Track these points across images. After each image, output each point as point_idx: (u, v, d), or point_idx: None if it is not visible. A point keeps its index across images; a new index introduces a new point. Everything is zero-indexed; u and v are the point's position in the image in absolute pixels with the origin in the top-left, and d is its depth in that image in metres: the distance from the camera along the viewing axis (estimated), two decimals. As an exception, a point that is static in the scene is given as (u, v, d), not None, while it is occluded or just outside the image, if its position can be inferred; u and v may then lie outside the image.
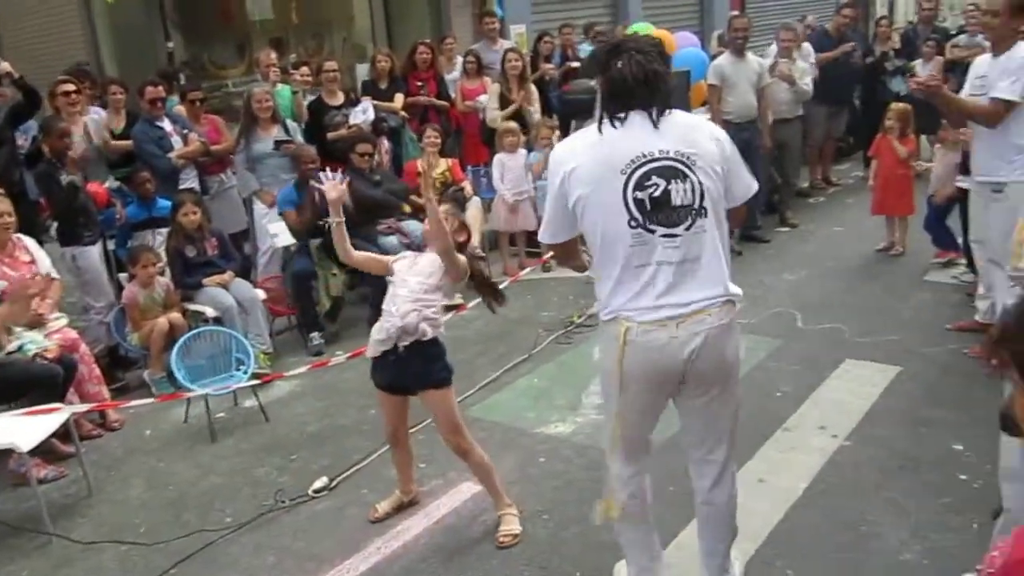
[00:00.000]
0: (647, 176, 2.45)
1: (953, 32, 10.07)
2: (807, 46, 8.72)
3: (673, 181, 2.45)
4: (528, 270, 6.43)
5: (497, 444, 4.27)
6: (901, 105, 6.86)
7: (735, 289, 2.57)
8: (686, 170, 2.46)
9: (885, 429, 4.09)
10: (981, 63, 4.70)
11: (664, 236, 2.46)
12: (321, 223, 5.96)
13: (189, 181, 6.32)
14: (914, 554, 3.17)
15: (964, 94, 4.73)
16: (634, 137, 2.48)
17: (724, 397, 2.65)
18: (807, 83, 7.84)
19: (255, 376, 5.07)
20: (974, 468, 3.66)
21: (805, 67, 7.97)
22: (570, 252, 2.78)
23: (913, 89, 4.81)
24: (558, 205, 2.59)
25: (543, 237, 2.75)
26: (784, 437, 4.10)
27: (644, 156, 2.46)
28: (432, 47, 7.98)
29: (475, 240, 6.58)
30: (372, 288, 6.19)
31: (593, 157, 2.51)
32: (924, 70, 9.21)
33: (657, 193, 2.44)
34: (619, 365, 2.53)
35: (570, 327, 5.78)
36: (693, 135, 2.53)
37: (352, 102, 7.10)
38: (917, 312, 5.59)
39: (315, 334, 5.95)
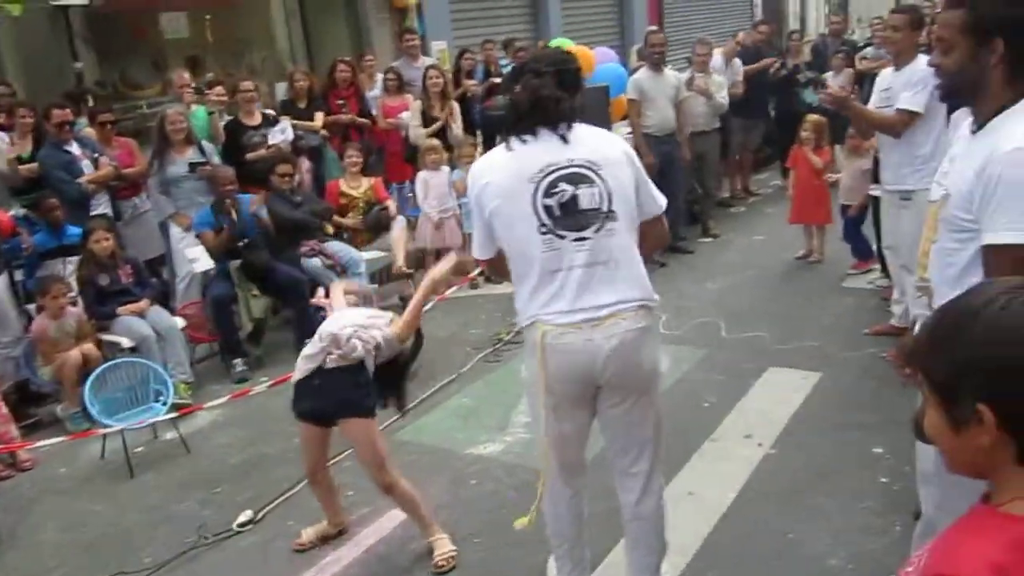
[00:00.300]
0: (555, 183, 2.53)
1: (861, 44, 10.42)
2: (737, 61, 8.92)
3: (580, 186, 2.53)
4: (455, 288, 6.38)
5: (426, 467, 4.22)
6: (816, 117, 7.06)
7: (651, 294, 2.64)
8: (593, 175, 2.55)
9: (808, 435, 4.17)
10: (885, 76, 4.86)
11: (575, 240, 2.53)
12: (240, 244, 5.85)
13: (101, 207, 6.11)
14: (839, 559, 3.22)
15: (871, 106, 4.89)
16: (543, 150, 2.56)
17: (643, 404, 2.69)
18: (723, 97, 8.00)
19: (175, 407, 4.92)
20: (894, 470, 3.75)
21: (721, 81, 8.14)
22: (499, 267, 2.80)
23: (823, 100, 4.95)
24: (480, 220, 2.67)
25: (474, 253, 2.80)
26: (711, 448, 4.14)
27: (552, 165, 2.54)
28: (352, 65, 7.90)
29: (399, 260, 6.57)
30: (295, 311, 6.10)
31: (504, 170, 2.59)
32: (835, 81, 9.49)
33: (565, 199, 2.52)
34: (542, 370, 2.57)
35: (498, 344, 5.75)
36: (601, 145, 2.63)
37: (270, 122, 6.96)
38: (836, 318, 5.73)
39: (238, 360, 5.80)
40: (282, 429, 4.84)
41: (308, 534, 3.70)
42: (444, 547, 3.46)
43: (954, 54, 2.13)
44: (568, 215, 2.53)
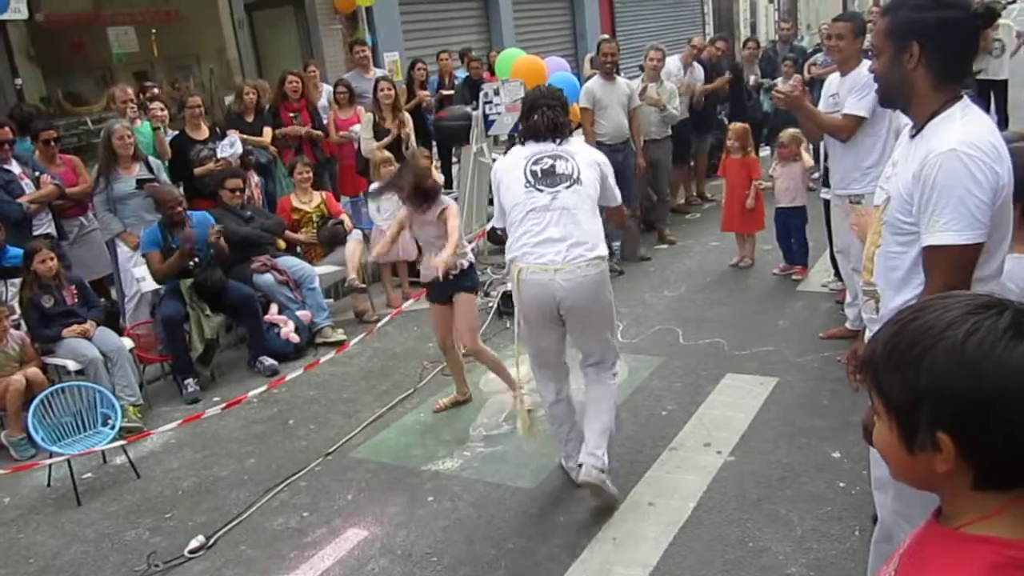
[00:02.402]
0: (540, 159, 3.64)
1: (810, 51, 10.58)
2: (698, 66, 8.97)
3: (558, 161, 3.63)
4: (412, 301, 6.31)
5: (383, 485, 4.15)
6: (740, 125, 7.18)
7: (604, 249, 3.61)
8: (568, 157, 3.65)
9: (766, 442, 4.16)
10: (832, 82, 4.92)
11: (548, 193, 3.56)
12: (191, 263, 5.73)
13: (44, 226, 5.93)
14: (799, 567, 3.21)
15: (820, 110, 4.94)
16: (542, 146, 3.68)
17: (594, 324, 3.69)
18: (676, 106, 8.03)
19: (125, 431, 4.79)
20: (852, 475, 3.76)
21: (673, 89, 8.16)
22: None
23: (776, 99, 4.98)
24: (497, 197, 3.76)
25: (494, 223, 3.98)
26: (671, 457, 4.12)
27: (543, 151, 3.66)
28: (302, 77, 7.79)
29: (353, 274, 6.48)
30: (249, 328, 5.99)
31: (513, 157, 3.77)
32: (785, 87, 9.63)
33: (546, 166, 3.62)
34: (517, 299, 3.62)
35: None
36: (581, 148, 3.80)
37: (218, 136, 6.83)
38: (791, 322, 5.76)
39: (190, 380, 5.66)
40: (235, 450, 4.76)
41: (443, 402, 4.90)
42: (524, 417, 4.13)
43: (882, 59, 2.16)
44: (546, 176, 3.60)
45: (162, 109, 6.86)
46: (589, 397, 3.78)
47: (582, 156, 3.68)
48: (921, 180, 2.05)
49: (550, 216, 3.51)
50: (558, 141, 3.66)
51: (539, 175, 3.58)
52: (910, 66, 2.09)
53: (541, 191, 3.55)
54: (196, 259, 5.72)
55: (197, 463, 4.70)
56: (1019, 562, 1.05)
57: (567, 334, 3.75)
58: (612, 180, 3.77)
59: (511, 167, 3.68)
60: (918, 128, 2.16)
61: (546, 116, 3.66)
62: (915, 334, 1.10)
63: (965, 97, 2.14)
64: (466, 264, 4.61)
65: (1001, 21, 10.67)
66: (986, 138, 2.04)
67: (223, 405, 4.79)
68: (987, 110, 10.41)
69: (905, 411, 1.10)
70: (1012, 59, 10.26)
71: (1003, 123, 10.29)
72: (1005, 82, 10.25)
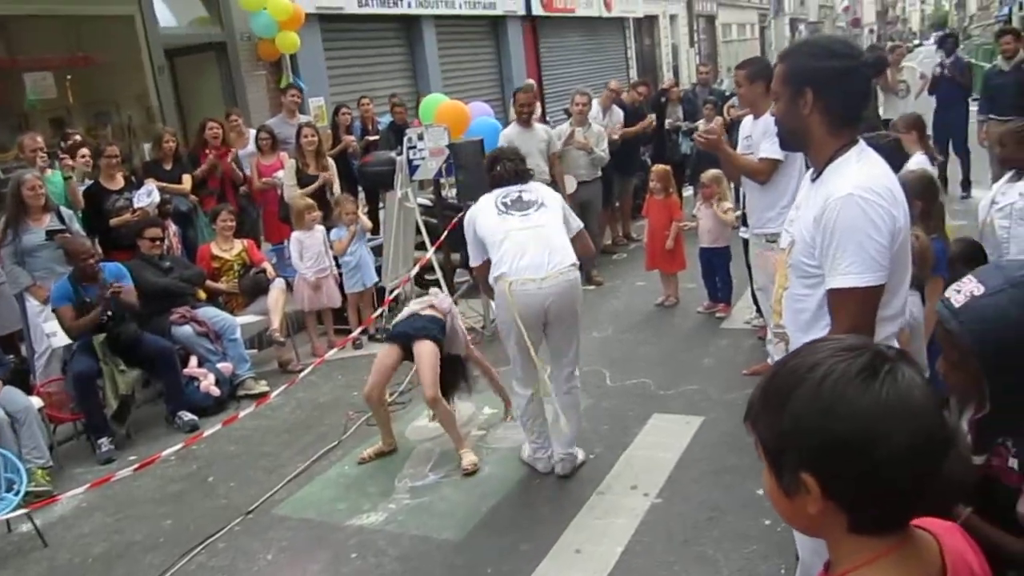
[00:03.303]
0: (508, 194, 4.25)
1: (728, 94, 10.87)
2: (616, 109, 9.11)
3: (524, 192, 4.27)
4: (335, 350, 6.20)
5: (306, 543, 4.01)
6: (661, 167, 7.33)
7: (575, 259, 4.14)
8: (532, 190, 4.31)
9: (693, 482, 4.17)
10: (746, 125, 5.05)
11: (520, 216, 4.15)
12: (104, 317, 5.53)
13: (-53, 281, 5.68)
14: (726, 609, 3.19)
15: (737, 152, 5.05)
16: (507, 189, 4.27)
17: (572, 328, 4.23)
18: (603, 149, 8.15)
19: (32, 497, 4.55)
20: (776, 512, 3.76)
21: (601, 131, 8.28)
22: (483, 272, 4.29)
23: (698, 143, 5.08)
24: (472, 239, 4.26)
25: (470, 263, 4.52)
26: (599, 501, 4.08)
27: (508, 190, 4.27)
28: (222, 123, 7.69)
29: (275, 323, 6.34)
30: (166, 382, 5.80)
31: (484, 200, 4.31)
32: (705, 129, 9.87)
33: (514, 197, 4.24)
34: (512, 308, 4.01)
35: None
36: (541, 187, 4.42)
37: (135, 185, 6.66)
38: (716, 360, 5.82)
39: (104, 439, 5.42)
40: (150, 512, 4.57)
41: (368, 453, 4.80)
42: (469, 457, 4.54)
43: (779, 104, 2.21)
44: (515, 204, 4.20)
45: (84, 156, 6.66)
46: (562, 404, 4.30)
47: (543, 189, 4.39)
48: (822, 224, 2.08)
49: (526, 235, 4.07)
50: (520, 184, 4.30)
51: (509, 204, 4.19)
52: (805, 112, 2.14)
53: (513, 215, 4.15)
54: (109, 313, 5.52)
55: (109, 527, 4.48)
56: None
57: (545, 339, 4.25)
58: (569, 210, 4.40)
59: (483, 207, 4.25)
60: (818, 172, 2.21)
61: (507, 166, 4.31)
62: (782, 377, 1.12)
63: (861, 141, 2.20)
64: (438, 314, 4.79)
65: (905, 64, 11.18)
66: (882, 182, 2.10)
67: (136, 466, 4.59)
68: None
69: (774, 453, 1.12)
70: (917, 100, 10.71)
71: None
72: (911, 122, 10.68)
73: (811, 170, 2.27)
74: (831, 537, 1.12)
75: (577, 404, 4.42)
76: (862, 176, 2.08)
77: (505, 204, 4.19)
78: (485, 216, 4.20)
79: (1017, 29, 12.05)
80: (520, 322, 4.03)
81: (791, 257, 2.23)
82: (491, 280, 4.15)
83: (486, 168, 4.41)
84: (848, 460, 1.04)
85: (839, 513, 1.08)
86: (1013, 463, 1.70)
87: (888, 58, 10.15)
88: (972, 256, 3.74)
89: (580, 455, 4.43)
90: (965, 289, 1.66)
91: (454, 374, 4.81)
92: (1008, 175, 4.18)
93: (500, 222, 4.13)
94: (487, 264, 4.23)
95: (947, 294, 1.70)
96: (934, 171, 5.01)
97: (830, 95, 2.12)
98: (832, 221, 2.05)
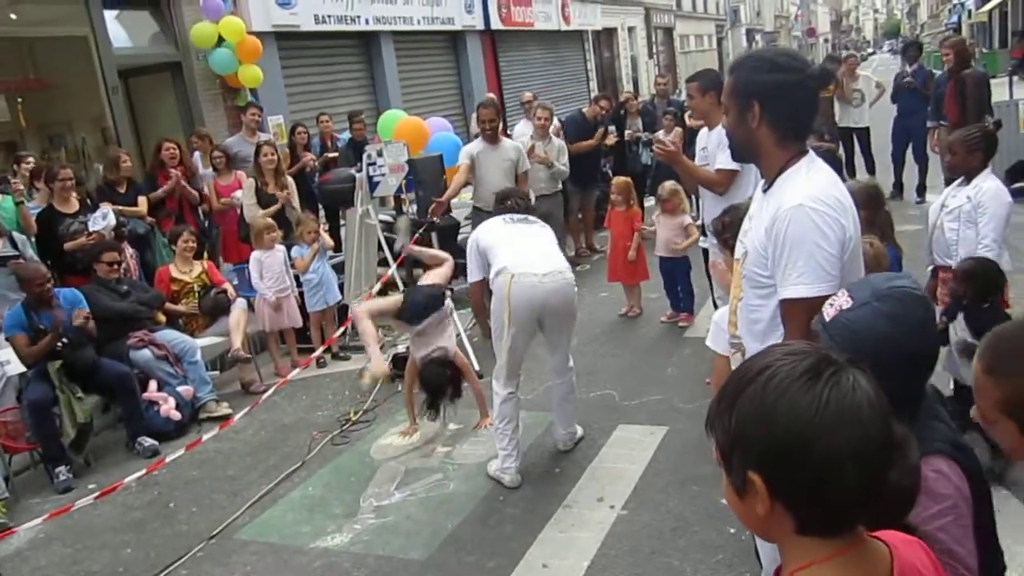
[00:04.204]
0: (513, 216, 4.64)
1: (687, 104, 10.97)
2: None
3: (527, 215, 4.67)
4: (298, 370, 6.13)
5: (269, 568, 3.95)
6: (622, 179, 7.37)
7: (568, 265, 4.53)
8: (535, 219, 4.69)
9: (658, 492, 4.18)
10: (701, 136, 5.12)
11: (524, 226, 4.57)
12: (59, 344, 5.42)
13: None
14: (693, 620, 3.19)
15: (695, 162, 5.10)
16: (512, 215, 4.67)
17: (567, 324, 4.53)
18: (564, 163, 8.17)
19: (-16, 529, 4.44)
20: (740, 520, 3.78)
21: (561, 145, 8.31)
22: (479, 291, 4.64)
23: (657, 154, 5.13)
24: (475, 256, 4.52)
25: (469, 278, 4.68)
26: (565, 515, 4.07)
27: (517, 215, 4.66)
28: (178, 143, 7.60)
29: (236, 344, 6.26)
30: (126, 407, 5.70)
31: (492, 220, 4.69)
32: (666, 140, 9.96)
33: (518, 217, 4.62)
34: (507, 299, 4.21)
35: (346, 425, 5.52)
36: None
37: (89, 208, 6.56)
38: (680, 369, 5.85)
39: (62, 468, 5.29)
40: (110, 541, 4.47)
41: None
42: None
43: (729, 117, 2.23)
44: (519, 220, 4.60)
45: (16, 182, 6.55)
46: (560, 393, 4.68)
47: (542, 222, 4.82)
48: (773, 235, 2.10)
49: (530, 240, 4.47)
50: (526, 215, 4.71)
51: (514, 219, 4.62)
52: (753, 124, 2.16)
53: (517, 224, 4.57)
54: (65, 339, 5.41)
55: (67, 559, 4.37)
56: None
57: (542, 333, 4.50)
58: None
59: (489, 223, 4.66)
60: (769, 183, 2.23)
61: (519, 203, 4.77)
62: (733, 380, 1.15)
63: (811, 152, 2.23)
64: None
65: (860, 73, 11.38)
66: (831, 192, 2.12)
67: (97, 494, 4.49)
68: (851, 156, 11.04)
69: (726, 454, 1.14)
70: (871, 108, 10.91)
71: (869, 166, 10.92)
72: (867, 129, 10.88)
73: (763, 181, 2.29)
74: (781, 539, 1.14)
75: (572, 390, 4.74)
76: (811, 187, 2.10)
77: (511, 219, 4.61)
78: (491, 228, 4.56)
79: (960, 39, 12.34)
80: (512, 315, 4.22)
81: (744, 268, 2.25)
82: (491, 277, 4.35)
83: (495, 204, 4.87)
84: (789, 461, 1.07)
85: (786, 514, 1.10)
86: None
87: (836, 71, 10.30)
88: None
89: (579, 431, 4.84)
90: (837, 303, 1.69)
91: (445, 378, 4.89)
92: (958, 180, 4.27)
93: (506, 229, 4.52)
94: (483, 283, 4.53)
95: (824, 307, 1.72)
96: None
97: (777, 108, 2.14)
98: (782, 232, 2.07)
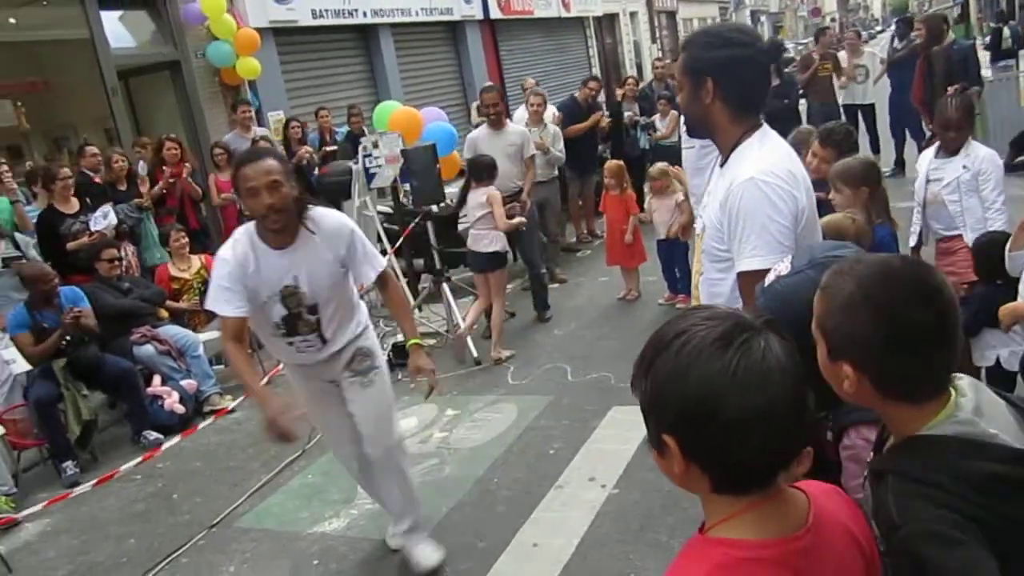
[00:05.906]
0: None
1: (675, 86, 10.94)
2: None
3: None
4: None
5: (267, 553, 4.04)
6: (614, 162, 7.38)
7: None
8: None
9: (649, 471, 4.20)
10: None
11: None
12: (64, 342, 5.52)
13: (-97, 312, 5.65)
14: (678, 593, 3.24)
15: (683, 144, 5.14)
16: None
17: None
18: (560, 149, 8.19)
19: (-6, 524, 4.55)
20: (728, 496, 3.82)
21: (556, 131, 8.33)
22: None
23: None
24: None
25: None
26: (556, 495, 4.13)
27: None
28: (179, 141, 7.69)
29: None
30: (130, 403, 5.80)
31: None
32: (661, 124, 9.97)
33: None
34: None
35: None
36: None
37: (89, 208, 6.65)
38: (675, 350, 5.87)
39: (69, 463, 5.40)
40: (114, 532, 4.57)
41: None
42: (499, 353, 5.90)
43: (682, 94, 2.26)
44: None
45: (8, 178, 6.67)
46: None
47: None
48: (727, 209, 2.14)
49: None
50: None
51: None
52: (707, 100, 2.19)
53: None
54: (68, 337, 5.51)
55: (74, 550, 4.48)
56: (742, 562, 1.11)
57: None
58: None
59: None
60: (724, 158, 2.27)
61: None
62: (652, 344, 1.18)
63: (764, 125, 2.26)
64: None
65: (866, 49, 11.32)
66: (784, 165, 2.15)
67: (95, 481, 4.59)
68: (857, 133, 10.94)
69: (644, 414, 1.17)
70: (875, 85, 10.83)
71: (874, 144, 10.83)
72: (872, 106, 10.81)
73: (718, 156, 2.32)
74: (702, 496, 1.18)
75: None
76: (763, 160, 2.13)
77: None
78: None
79: (944, 14, 12.25)
80: None
81: (703, 243, 2.29)
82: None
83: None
84: (700, 424, 1.10)
85: (702, 474, 1.14)
86: (829, 435, 1.74)
87: (783, 44, 10.22)
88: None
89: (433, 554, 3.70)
90: (778, 269, 1.71)
91: None
92: (933, 150, 4.28)
93: None
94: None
95: (768, 275, 1.74)
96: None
97: (729, 83, 2.17)
98: (735, 205, 2.10)
